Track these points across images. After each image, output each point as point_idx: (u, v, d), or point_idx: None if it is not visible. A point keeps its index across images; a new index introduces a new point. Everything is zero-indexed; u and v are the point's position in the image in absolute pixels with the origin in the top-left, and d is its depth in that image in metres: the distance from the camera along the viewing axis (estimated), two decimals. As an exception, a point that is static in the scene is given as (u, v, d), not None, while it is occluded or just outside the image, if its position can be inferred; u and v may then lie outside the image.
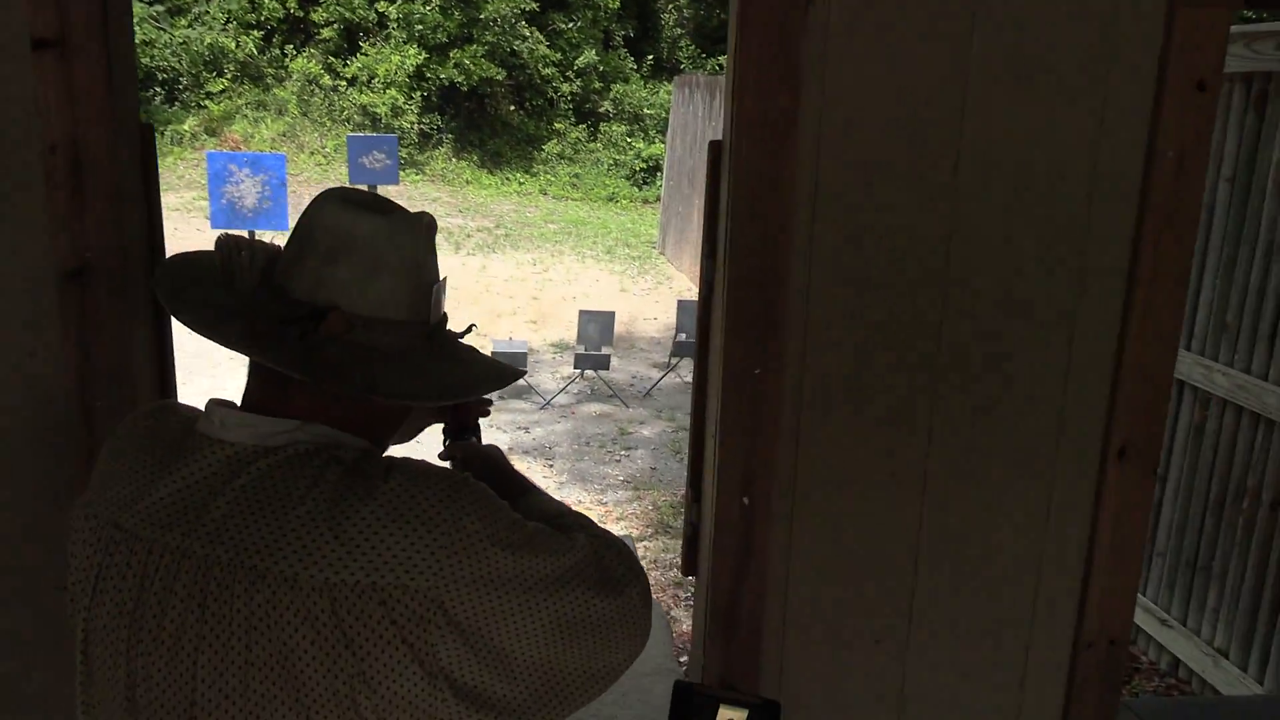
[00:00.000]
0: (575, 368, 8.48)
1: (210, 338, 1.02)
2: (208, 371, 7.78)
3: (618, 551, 1.13)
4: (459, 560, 0.98)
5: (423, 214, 1.10)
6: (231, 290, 1.07)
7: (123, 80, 1.53)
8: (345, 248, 1.05)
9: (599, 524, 1.19)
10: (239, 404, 1.06)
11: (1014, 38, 1.64)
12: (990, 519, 1.83)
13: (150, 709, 1.00)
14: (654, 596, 2.20)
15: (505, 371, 1.15)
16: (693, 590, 5.46)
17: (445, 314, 1.16)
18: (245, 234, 10.41)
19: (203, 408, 1.08)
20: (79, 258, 1.50)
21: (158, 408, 1.14)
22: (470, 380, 1.11)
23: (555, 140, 19.21)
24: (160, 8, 17.35)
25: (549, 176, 18.67)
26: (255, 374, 1.07)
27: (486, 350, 8.68)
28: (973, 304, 1.73)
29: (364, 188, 10.23)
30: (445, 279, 1.14)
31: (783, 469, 1.75)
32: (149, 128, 1.63)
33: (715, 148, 1.72)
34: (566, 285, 12.55)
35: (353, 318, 1.03)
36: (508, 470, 1.30)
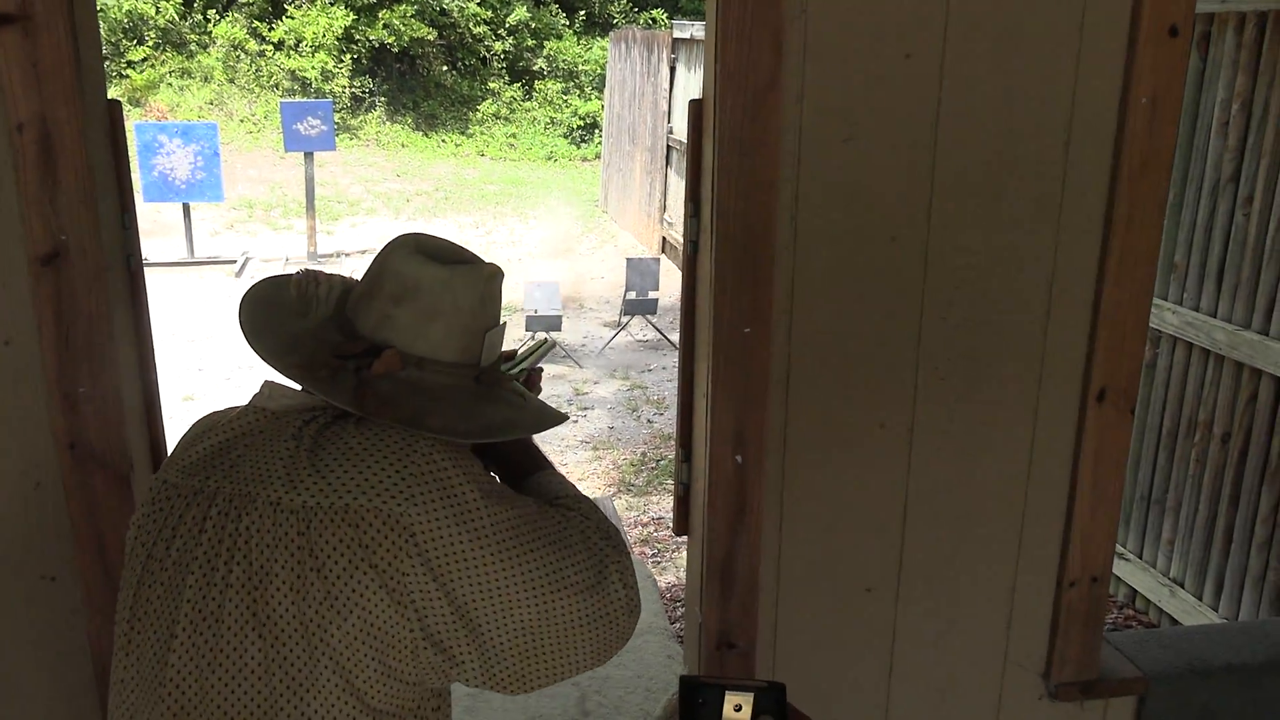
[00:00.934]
0: (526, 329, 8.44)
1: (273, 366, 1.11)
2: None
3: (612, 545, 1.15)
4: (430, 490, 1.03)
5: (488, 265, 1.17)
6: (304, 319, 1.16)
7: (89, 56, 1.48)
8: (409, 294, 1.13)
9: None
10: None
11: (991, -13, 1.64)
12: (975, 466, 1.87)
13: (143, 633, 1.06)
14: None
15: (547, 417, 1.22)
16: (660, 548, 5.51)
17: (501, 353, 1.24)
18: (180, 206, 10.17)
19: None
20: (53, 241, 1.46)
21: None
22: (511, 422, 1.17)
23: (490, 100, 18.94)
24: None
25: (486, 137, 18.43)
26: None
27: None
28: (954, 255, 1.75)
29: (301, 156, 9.92)
30: (504, 324, 1.22)
31: (774, 426, 1.76)
32: (117, 104, 1.57)
33: (696, 107, 1.71)
34: (511, 247, 12.44)
35: (406, 357, 1.12)
36: (528, 443, 1.31)
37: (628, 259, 9.44)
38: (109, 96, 1.57)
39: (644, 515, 5.82)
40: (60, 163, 1.44)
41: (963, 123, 1.69)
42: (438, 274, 1.13)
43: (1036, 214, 1.76)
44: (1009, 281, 1.78)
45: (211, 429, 1.11)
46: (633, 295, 8.89)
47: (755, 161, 1.63)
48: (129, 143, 1.76)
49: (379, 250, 1.18)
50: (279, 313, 1.17)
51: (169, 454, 1.17)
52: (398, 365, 1.11)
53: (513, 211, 14.29)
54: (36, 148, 1.43)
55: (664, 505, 5.90)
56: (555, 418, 1.23)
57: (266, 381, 1.14)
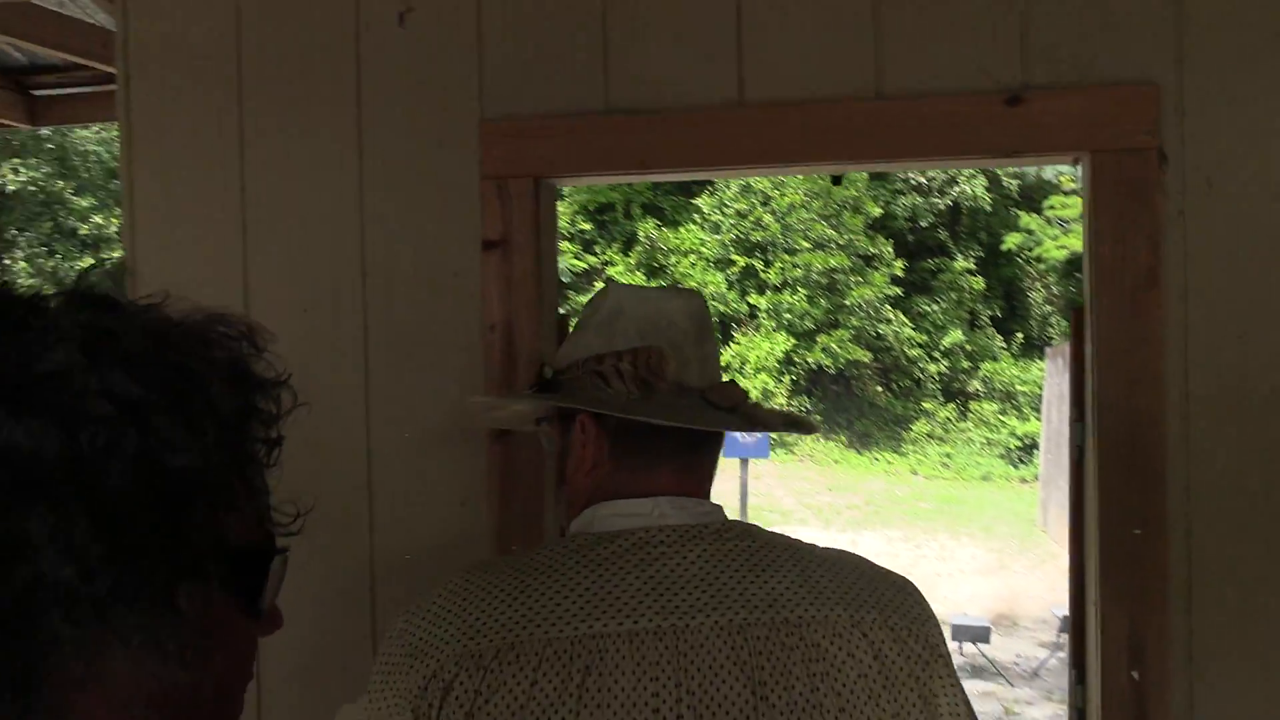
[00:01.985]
0: (953, 639, 8.07)
1: (713, 427, 1.14)
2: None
3: None
4: None
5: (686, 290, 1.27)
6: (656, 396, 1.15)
7: (548, 276, 1.85)
8: (702, 326, 1.19)
9: None
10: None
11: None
12: None
13: None
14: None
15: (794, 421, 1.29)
16: None
17: None
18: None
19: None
20: (819, 427, 1.78)
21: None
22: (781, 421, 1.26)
23: (924, 420, 19.15)
24: (560, 311, 19.67)
25: (919, 456, 18.50)
26: (677, 467, 1.15)
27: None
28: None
29: (737, 462, 10.59)
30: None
31: (1176, 638, 1.63)
32: (565, 319, 1.93)
33: (1077, 312, 1.76)
34: (941, 562, 12.13)
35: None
36: None
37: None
38: (560, 314, 1.93)
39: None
40: (519, 357, 1.79)
41: (1379, 318, 1.59)
42: (689, 299, 1.20)
43: None
44: None
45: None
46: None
47: (1136, 358, 1.63)
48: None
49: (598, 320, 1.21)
50: (649, 403, 1.14)
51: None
52: (743, 393, 1.18)
53: (944, 528, 14.02)
54: (501, 344, 1.79)
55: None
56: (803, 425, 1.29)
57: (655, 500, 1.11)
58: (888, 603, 1.08)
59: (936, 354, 19.67)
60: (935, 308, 20.03)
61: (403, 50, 1.83)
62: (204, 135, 1.91)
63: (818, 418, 18.64)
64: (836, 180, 2.23)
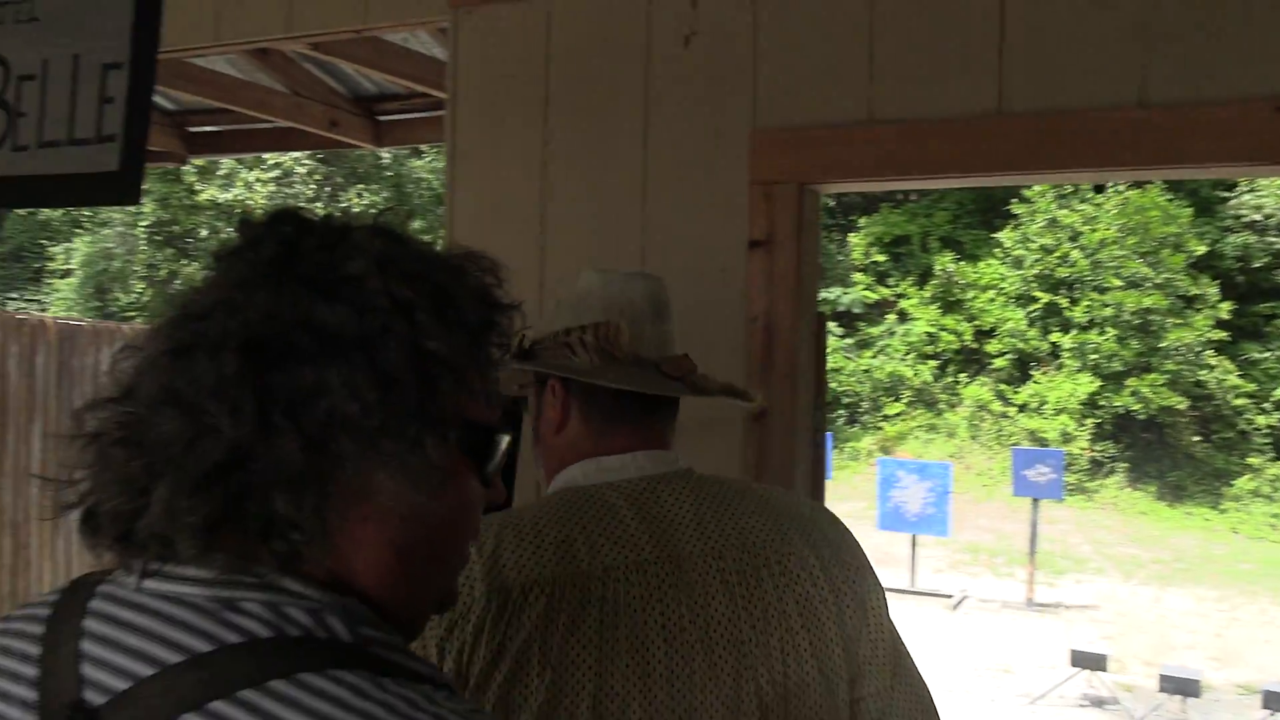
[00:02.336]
0: (1264, 707, 7.36)
1: (663, 392, 1.33)
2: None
3: None
4: None
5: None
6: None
7: (808, 275, 1.99)
8: (659, 306, 1.37)
9: None
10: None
11: None
12: None
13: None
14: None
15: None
16: None
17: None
18: (909, 536, 10.90)
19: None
20: (763, 404, 1.93)
21: None
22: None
23: (1249, 476, 17.44)
24: (850, 340, 19.56)
25: (1241, 514, 16.87)
26: (636, 427, 1.32)
27: (1154, 677, 7.91)
28: None
29: (1029, 502, 10.16)
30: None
31: None
32: (824, 316, 2.06)
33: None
34: (1261, 628, 11.04)
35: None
36: None
37: None
38: (819, 312, 2.06)
39: None
40: (776, 347, 1.93)
41: None
42: (648, 280, 1.37)
43: None
44: None
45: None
46: None
47: None
48: (874, 484, 2.17)
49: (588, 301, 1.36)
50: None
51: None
52: (691, 364, 1.36)
53: (1268, 592, 12.73)
54: (762, 335, 1.94)
55: None
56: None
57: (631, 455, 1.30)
58: (829, 530, 1.32)
59: (1267, 405, 17.87)
60: (1268, 355, 18.23)
61: (685, 69, 2.04)
62: (513, 148, 2.19)
63: (1122, 465, 17.44)
64: (1099, 189, 2.23)
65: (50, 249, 20.36)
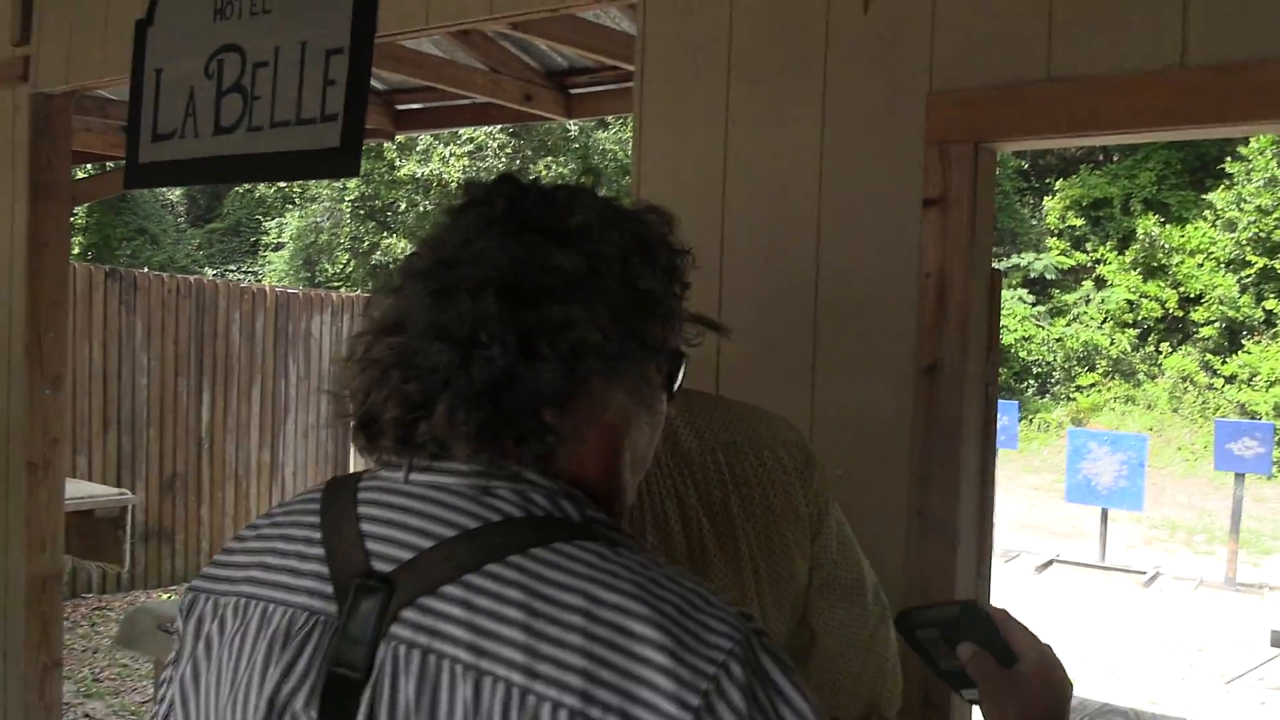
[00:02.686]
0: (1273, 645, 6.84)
1: None
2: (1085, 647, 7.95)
3: None
4: None
5: None
6: None
7: (981, 232, 2.04)
8: None
9: None
10: None
11: None
12: None
13: None
14: None
15: None
16: None
17: None
18: (1099, 510, 10.54)
19: None
20: (933, 357, 2.00)
21: None
22: None
23: None
24: (1042, 308, 18.85)
25: None
26: None
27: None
28: None
29: (1231, 477, 9.65)
30: None
31: None
32: (998, 273, 2.10)
33: None
34: None
35: None
36: None
37: None
38: (993, 268, 2.11)
39: None
40: (949, 302, 2.00)
41: None
42: None
43: None
44: None
45: None
46: None
47: None
48: (1063, 457, 2.21)
49: None
50: None
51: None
52: None
53: None
54: (934, 290, 2.01)
55: None
56: None
57: None
58: (786, 429, 1.42)
59: None
60: None
61: (864, 34, 2.11)
62: (697, 116, 2.32)
63: None
64: None
65: (264, 223, 21.84)
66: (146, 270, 9.50)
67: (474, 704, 0.75)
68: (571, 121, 4.32)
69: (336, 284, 19.01)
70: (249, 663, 0.84)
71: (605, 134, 17.78)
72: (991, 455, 2.10)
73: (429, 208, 17.87)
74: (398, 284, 0.92)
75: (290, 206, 21.39)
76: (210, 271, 19.51)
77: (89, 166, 8.30)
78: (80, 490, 4.80)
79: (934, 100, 2.02)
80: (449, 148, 16.94)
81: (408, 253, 0.96)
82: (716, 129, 2.30)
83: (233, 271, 20.71)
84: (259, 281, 17.14)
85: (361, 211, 19.10)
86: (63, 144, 3.93)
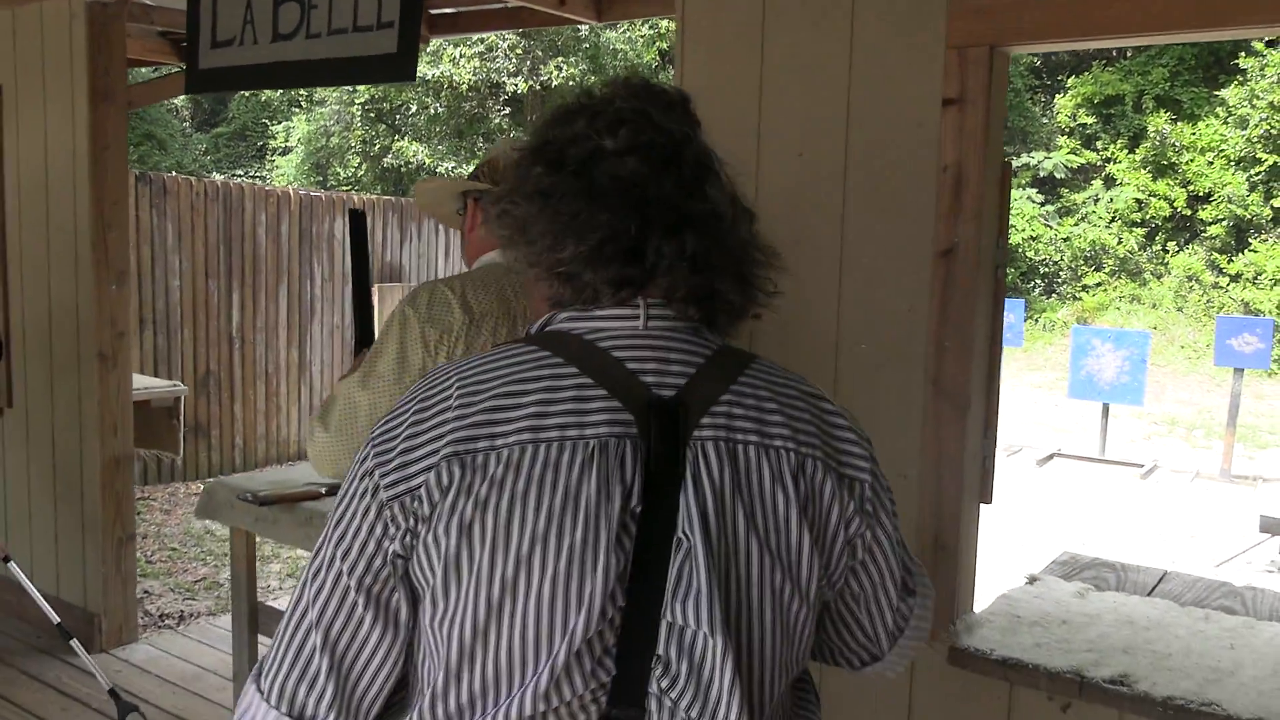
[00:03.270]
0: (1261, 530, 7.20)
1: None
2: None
3: None
4: None
5: None
6: None
7: (995, 128, 2.25)
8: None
9: None
10: None
11: None
12: None
13: None
14: None
15: None
16: None
17: None
18: (1100, 406, 10.85)
19: None
20: (949, 242, 2.24)
21: None
22: None
23: None
24: (1050, 207, 18.92)
25: None
26: None
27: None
28: None
29: (1230, 372, 9.87)
30: None
31: None
32: (1007, 165, 2.33)
33: None
34: None
35: None
36: None
37: None
38: (1004, 161, 2.33)
39: None
40: (964, 193, 2.23)
41: None
42: None
43: None
44: None
45: None
46: None
47: None
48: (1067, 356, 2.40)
49: None
50: None
51: None
52: None
53: None
54: (951, 183, 2.24)
55: None
56: None
57: None
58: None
59: None
60: None
61: (890, -55, 2.30)
62: (736, 18, 2.52)
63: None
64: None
65: (271, 127, 21.80)
66: (175, 174, 9.65)
67: (773, 469, 1.06)
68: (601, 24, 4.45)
69: (347, 187, 19.09)
70: (563, 488, 1.00)
71: (614, 33, 17.66)
72: (999, 330, 2.36)
73: (439, 110, 17.85)
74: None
75: (296, 110, 21.34)
76: (218, 176, 19.59)
77: (143, 70, 8.41)
78: (137, 382, 5.07)
79: (954, 7, 2.22)
80: (459, 49, 16.87)
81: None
82: (754, 33, 2.50)
83: (240, 176, 20.77)
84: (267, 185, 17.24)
85: (372, 115, 19.09)
86: (118, 51, 4.11)
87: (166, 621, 4.89)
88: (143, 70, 5.62)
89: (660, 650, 0.99)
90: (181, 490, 7.82)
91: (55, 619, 3.80)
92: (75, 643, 3.70)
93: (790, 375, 1.15)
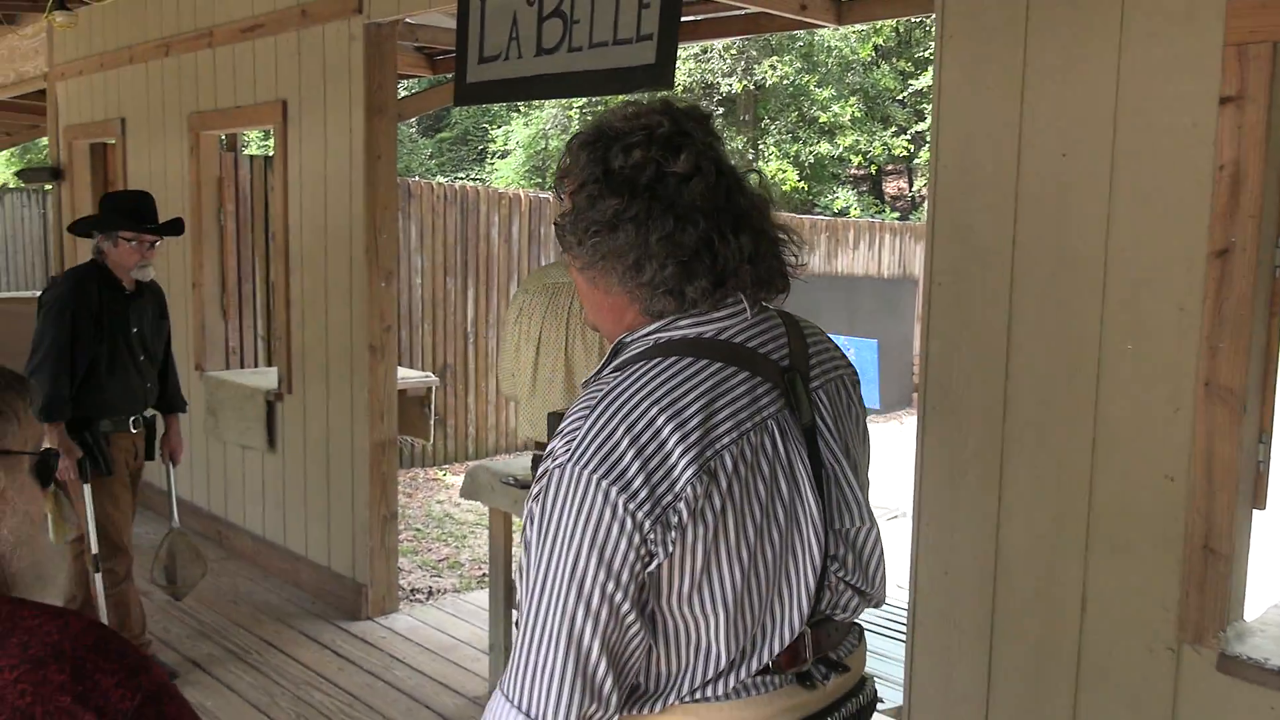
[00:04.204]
0: None
1: None
2: None
3: None
4: None
5: None
6: None
7: (1276, 127, 2.19)
8: None
9: None
10: None
11: None
12: None
13: None
14: None
15: None
16: None
17: None
18: None
19: None
20: (1226, 242, 2.20)
21: None
22: None
23: None
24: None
25: None
26: None
27: None
28: None
29: None
30: None
31: None
32: (1290, 163, 2.27)
33: None
34: None
35: None
36: None
37: None
38: (1286, 160, 2.27)
39: None
40: (1241, 193, 2.18)
41: None
42: None
43: None
44: None
45: None
46: None
47: None
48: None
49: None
50: None
51: None
52: None
53: None
54: (1228, 182, 2.20)
55: None
56: None
57: None
58: None
59: None
60: None
61: (1163, -58, 2.28)
62: (999, 15, 2.55)
63: None
64: None
65: (491, 131, 22.78)
66: (418, 178, 10.28)
67: (847, 393, 1.43)
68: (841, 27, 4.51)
69: (565, 189, 19.66)
70: (769, 462, 1.26)
71: (828, 31, 17.55)
72: (1274, 334, 2.29)
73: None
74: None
75: (515, 115, 22.23)
76: (441, 179, 20.64)
77: (402, 83, 9.05)
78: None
79: (1234, 4, 2.18)
80: (674, 51, 17.18)
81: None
82: (1016, 29, 2.52)
83: (461, 179, 21.80)
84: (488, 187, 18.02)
85: (589, 118, 19.63)
86: (390, 67, 4.48)
87: (417, 596, 5.27)
88: (402, 83, 6.04)
89: (833, 550, 1.32)
90: (421, 475, 8.34)
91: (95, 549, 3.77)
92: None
93: (822, 330, 1.46)
